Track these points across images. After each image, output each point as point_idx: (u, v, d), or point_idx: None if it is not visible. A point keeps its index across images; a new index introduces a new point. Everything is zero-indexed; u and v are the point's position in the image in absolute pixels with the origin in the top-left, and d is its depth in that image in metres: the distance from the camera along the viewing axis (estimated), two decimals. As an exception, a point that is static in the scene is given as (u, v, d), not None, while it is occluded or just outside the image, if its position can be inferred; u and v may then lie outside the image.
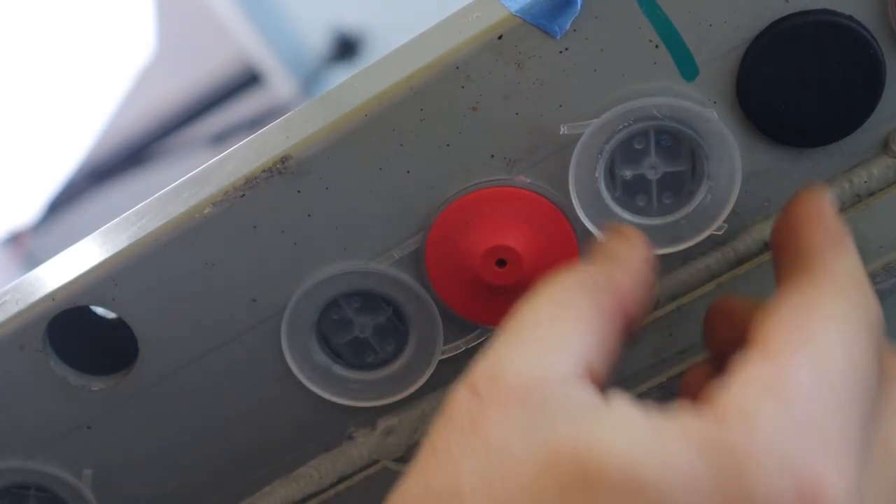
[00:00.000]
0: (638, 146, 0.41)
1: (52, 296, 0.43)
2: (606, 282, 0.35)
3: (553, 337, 0.33)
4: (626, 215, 0.42)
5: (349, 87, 0.42)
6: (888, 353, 0.34)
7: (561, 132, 0.41)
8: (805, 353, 0.31)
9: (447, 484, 0.31)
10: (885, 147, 0.42)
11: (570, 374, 0.32)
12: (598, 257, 0.37)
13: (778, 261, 0.37)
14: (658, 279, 0.39)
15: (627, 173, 0.42)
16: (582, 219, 0.42)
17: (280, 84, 1.70)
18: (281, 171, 0.41)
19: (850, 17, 0.40)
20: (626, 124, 0.41)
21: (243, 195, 0.42)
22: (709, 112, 0.41)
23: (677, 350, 0.45)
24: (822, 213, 0.37)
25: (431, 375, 0.45)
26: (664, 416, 0.30)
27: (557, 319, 0.34)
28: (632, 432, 0.30)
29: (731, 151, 0.41)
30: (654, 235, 0.42)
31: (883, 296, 0.43)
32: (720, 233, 0.42)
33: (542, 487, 0.30)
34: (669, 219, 0.42)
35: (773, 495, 0.29)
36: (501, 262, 0.42)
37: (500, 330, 0.34)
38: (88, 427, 0.46)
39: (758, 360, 0.31)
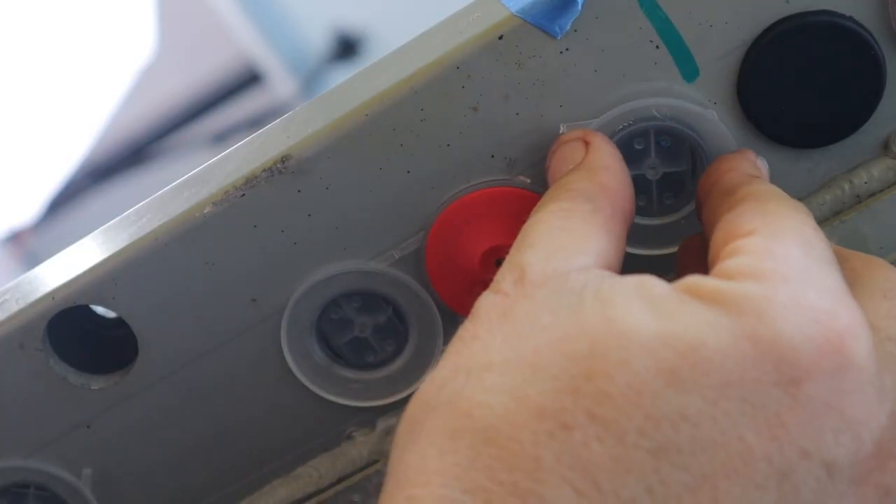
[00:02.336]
0: (638, 146, 0.41)
1: (51, 295, 0.43)
2: (601, 191, 0.37)
3: (569, 242, 0.35)
4: (626, 216, 0.42)
5: (349, 87, 0.42)
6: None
7: (561, 132, 0.41)
8: (786, 232, 0.33)
9: (476, 360, 0.32)
10: (885, 148, 0.42)
11: (590, 264, 0.34)
12: (582, 170, 0.38)
13: (703, 209, 0.38)
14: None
15: (627, 174, 0.42)
16: (582, 219, 0.42)
17: (280, 84, 1.70)
18: (281, 170, 0.41)
19: (851, 18, 0.40)
20: (625, 125, 0.41)
21: (243, 195, 0.42)
22: (709, 113, 0.41)
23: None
24: (733, 164, 0.39)
25: (431, 375, 0.45)
26: (682, 281, 0.32)
27: (567, 229, 0.35)
28: (654, 297, 0.31)
29: (731, 152, 0.41)
30: (654, 235, 0.42)
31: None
32: (720, 233, 0.42)
33: (574, 350, 0.30)
34: (669, 219, 0.42)
35: (804, 343, 0.30)
36: (501, 262, 0.41)
37: (515, 244, 0.36)
38: (88, 426, 0.46)
39: (749, 240, 0.33)
